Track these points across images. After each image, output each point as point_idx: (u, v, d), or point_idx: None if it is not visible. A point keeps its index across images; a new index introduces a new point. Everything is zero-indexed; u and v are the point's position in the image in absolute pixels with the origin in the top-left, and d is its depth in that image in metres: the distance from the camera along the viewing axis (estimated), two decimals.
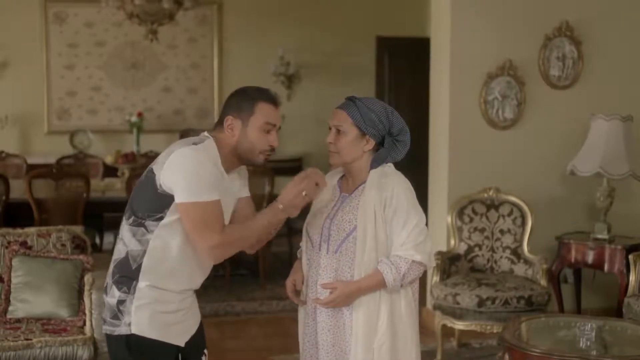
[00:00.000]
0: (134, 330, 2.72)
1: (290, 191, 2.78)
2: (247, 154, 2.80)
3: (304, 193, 2.78)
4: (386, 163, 3.01)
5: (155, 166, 2.73)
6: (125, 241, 2.77)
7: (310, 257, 3.06)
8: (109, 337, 2.79)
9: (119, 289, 2.74)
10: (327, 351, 2.99)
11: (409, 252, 2.90)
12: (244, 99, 2.79)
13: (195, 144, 2.71)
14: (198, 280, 2.88)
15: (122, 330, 2.74)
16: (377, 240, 2.92)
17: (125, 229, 2.77)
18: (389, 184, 2.94)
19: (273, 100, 2.82)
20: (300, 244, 3.17)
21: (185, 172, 2.65)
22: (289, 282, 3.12)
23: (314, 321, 3.03)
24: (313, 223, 3.06)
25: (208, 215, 2.66)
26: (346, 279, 2.95)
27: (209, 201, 2.65)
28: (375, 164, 3.00)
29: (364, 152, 2.99)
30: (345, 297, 2.92)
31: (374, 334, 2.93)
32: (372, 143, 2.98)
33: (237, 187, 2.92)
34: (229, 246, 2.74)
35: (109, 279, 2.81)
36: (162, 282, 2.75)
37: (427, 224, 3.02)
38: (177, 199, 2.66)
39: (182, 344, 2.84)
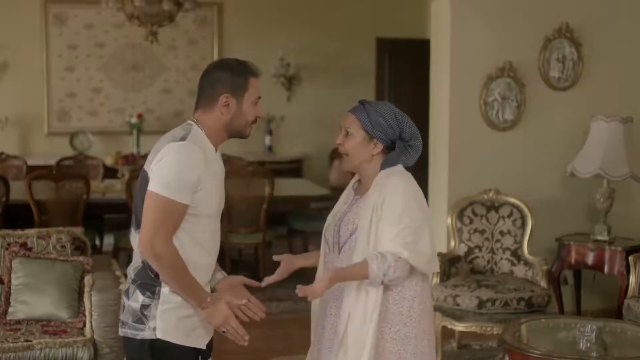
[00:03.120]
0: (160, 335, 2.73)
1: (223, 314, 2.75)
2: (240, 129, 2.83)
3: (222, 329, 2.77)
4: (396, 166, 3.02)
5: (148, 168, 2.73)
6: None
7: (326, 260, 3.08)
8: (130, 340, 2.78)
9: (143, 294, 2.74)
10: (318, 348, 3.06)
11: (397, 249, 2.87)
12: (235, 76, 2.79)
13: (183, 138, 2.70)
14: (210, 273, 2.89)
15: (146, 334, 2.74)
16: (372, 239, 2.91)
17: (135, 238, 2.77)
18: (390, 184, 2.94)
19: (259, 73, 2.85)
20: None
21: (169, 166, 2.66)
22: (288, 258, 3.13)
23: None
24: (329, 226, 3.10)
25: (169, 214, 2.66)
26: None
27: (177, 202, 2.66)
28: (385, 165, 3.01)
29: (372, 155, 3.00)
30: (327, 280, 2.88)
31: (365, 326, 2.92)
32: (380, 147, 2.99)
33: (222, 168, 2.92)
34: (159, 260, 2.67)
35: (129, 283, 2.81)
36: None
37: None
38: (150, 187, 2.66)
39: (204, 347, 2.86)
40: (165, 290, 2.73)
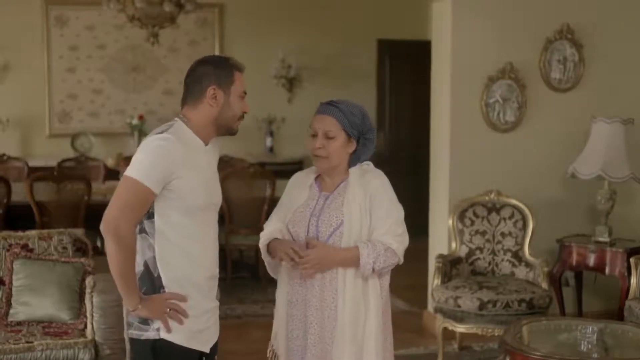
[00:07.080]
0: (162, 335, 2.74)
1: (157, 311, 2.73)
2: (228, 122, 2.83)
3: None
4: (361, 161, 3.14)
5: None
6: (139, 252, 2.78)
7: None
8: (135, 342, 2.80)
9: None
10: (313, 343, 3.09)
11: (388, 240, 3.03)
12: (220, 69, 2.81)
13: (162, 132, 2.74)
14: (214, 266, 2.89)
15: (150, 335, 2.75)
16: (362, 234, 3.04)
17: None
18: (371, 181, 3.08)
19: (243, 68, 2.87)
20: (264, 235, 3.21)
21: (146, 154, 2.70)
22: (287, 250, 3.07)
23: (304, 315, 3.14)
24: (296, 222, 3.13)
25: (138, 198, 2.66)
26: (331, 271, 3.05)
27: (146, 186, 2.66)
28: (354, 162, 3.13)
29: (347, 153, 3.11)
30: (320, 258, 2.99)
31: (361, 326, 3.02)
32: (353, 145, 3.11)
33: (214, 162, 2.93)
34: (119, 242, 2.65)
35: None
36: (183, 281, 2.76)
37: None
38: (126, 172, 2.70)
39: (207, 350, 2.86)
40: (167, 290, 2.74)
